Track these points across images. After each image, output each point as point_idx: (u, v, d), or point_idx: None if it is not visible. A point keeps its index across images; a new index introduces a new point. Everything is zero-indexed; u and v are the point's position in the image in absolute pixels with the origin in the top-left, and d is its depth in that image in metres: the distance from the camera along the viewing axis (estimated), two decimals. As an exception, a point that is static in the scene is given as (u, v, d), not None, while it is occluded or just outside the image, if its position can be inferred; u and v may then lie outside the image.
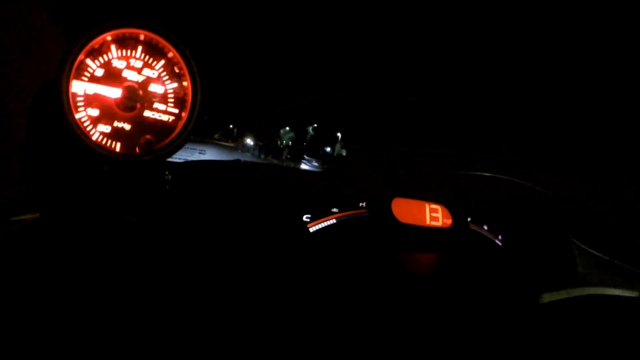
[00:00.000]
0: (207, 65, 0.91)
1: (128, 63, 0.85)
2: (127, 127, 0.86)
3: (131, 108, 0.85)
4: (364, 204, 1.10)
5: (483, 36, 1.14)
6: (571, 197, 1.01)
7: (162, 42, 0.86)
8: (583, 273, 1.03)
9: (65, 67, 0.76)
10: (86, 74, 0.81)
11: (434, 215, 1.19)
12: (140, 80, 0.86)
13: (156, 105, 0.89)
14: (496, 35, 1.12)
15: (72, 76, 0.78)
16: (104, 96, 0.83)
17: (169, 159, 0.92)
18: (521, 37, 1.11)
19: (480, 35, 1.14)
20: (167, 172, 0.93)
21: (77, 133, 0.79)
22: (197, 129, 0.93)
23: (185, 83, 0.90)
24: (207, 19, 0.96)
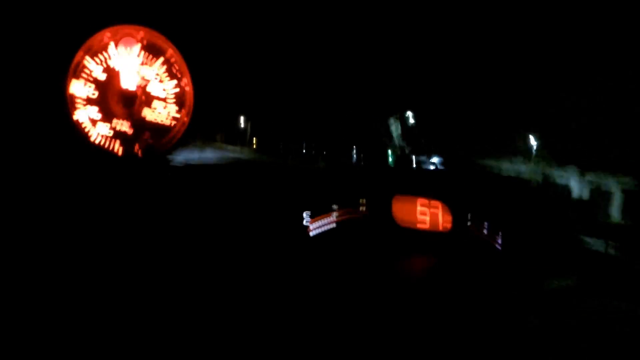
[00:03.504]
0: (206, 64, 0.91)
1: (127, 62, 0.85)
2: (126, 127, 0.86)
3: (130, 108, 0.86)
4: (364, 204, 1.09)
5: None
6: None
7: (161, 41, 0.87)
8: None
9: (63, 66, 0.77)
10: (85, 73, 0.81)
11: (434, 216, 1.18)
12: (138, 80, 0.86)
13: (155, 105, 0.89)
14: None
15: (70, 76, 0.78)
16: (103, 96, 0.83)
17: (169, 159, 0.92)
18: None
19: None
20: (168, 172, 0.93)
21: (76, 134, 0.79)
22: (196, 128, 0.93)
23: (183, 82, 0.90)
24: (205, 19, 0.96)
